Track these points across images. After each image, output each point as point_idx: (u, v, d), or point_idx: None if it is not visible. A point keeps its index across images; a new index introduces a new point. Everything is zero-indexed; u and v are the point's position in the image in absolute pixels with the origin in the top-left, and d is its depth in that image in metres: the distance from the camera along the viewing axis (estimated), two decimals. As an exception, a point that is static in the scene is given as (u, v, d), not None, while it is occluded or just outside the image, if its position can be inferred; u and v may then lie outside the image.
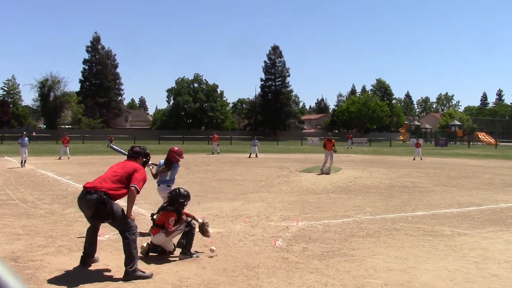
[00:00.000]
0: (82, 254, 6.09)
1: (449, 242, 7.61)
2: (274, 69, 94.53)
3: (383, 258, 6.58)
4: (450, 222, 9.32)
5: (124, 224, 5.69)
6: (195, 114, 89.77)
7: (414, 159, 31.41)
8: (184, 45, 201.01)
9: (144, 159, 6.57)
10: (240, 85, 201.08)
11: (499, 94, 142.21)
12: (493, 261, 6.47)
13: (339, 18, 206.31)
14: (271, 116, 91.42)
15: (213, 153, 36.68)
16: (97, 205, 5.57)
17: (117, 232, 5.93)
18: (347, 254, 6.76)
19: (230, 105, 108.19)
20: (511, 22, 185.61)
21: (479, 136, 77.94)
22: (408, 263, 6.30)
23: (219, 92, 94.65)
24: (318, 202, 12.03)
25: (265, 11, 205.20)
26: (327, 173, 19.51)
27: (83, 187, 5.82)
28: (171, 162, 8.18)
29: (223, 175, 19.12)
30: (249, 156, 32.56)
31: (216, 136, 38.47)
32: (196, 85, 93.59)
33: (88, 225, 6.13)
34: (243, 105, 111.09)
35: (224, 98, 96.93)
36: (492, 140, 72.34)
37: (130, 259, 5.56)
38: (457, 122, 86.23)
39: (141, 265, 5.86)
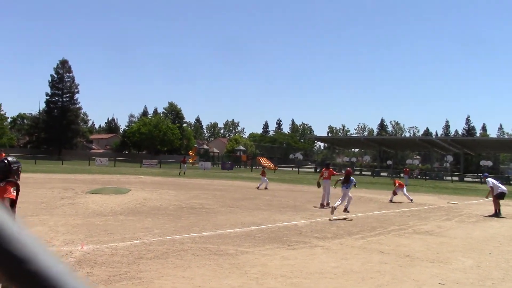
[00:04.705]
0: None
1: (233, 260, 8.00)
2: (62, 84, 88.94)
3: (171, 279, 6.60)
4: (234, 241, 9.83)
5: None
6: (-38, 128, 79.24)
7: (261, 187, 26.73)
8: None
9: None
10: (21, 98, 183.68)
11: (279, 123, 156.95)
12: (271, 276, 7.00)
13: (131, 39, 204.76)
14: (57, 134, 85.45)
15: None
16: None
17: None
18: (135, 277, 6.61)
19: (9, 120, 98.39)
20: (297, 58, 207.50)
21: (261, 161, 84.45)
22: (195, 283, 6.43)
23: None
24: (105, 224, 11.57)
25: (52, 20, 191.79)
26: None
27: None
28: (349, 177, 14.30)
29: (-4, 197, 17.09)
30: None
31: (4, 154, 34.37)
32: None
33: None
34: (24, 121, 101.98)
35: (2, 112, 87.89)
36: (272, 165, 79.12)
37: None
38: (242, 147, 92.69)
39: None
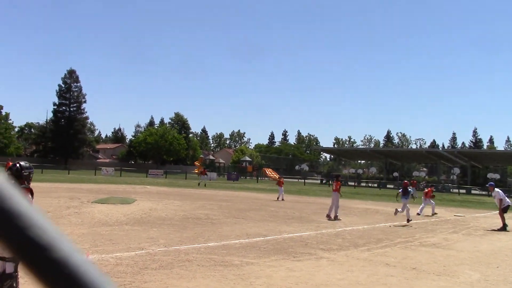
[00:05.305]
0: None
1: (238, 271, 7.97)
2: (69, 94, 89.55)
3: (175, 289, 6.57)
4: (239, 252, 9.80)
5: None
6: (-30, 137, 79.68)
7: (279, 198, 27.52)
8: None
9: None
10: (29, 108, 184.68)
11: (284, 134, 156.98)
12: (276, 287, 6.96)
13: (138, 49, 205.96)
14: (63, 143, 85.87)
15: None
16: None
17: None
18: (139, 287, 6.59)
19: (16, 129, 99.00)
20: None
21: (266, 172, 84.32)
22: (200, 294, 6.40)
23: (3, 114, 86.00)
24: (110, 234, 11.57)
25: (60, 30, 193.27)
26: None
27: None
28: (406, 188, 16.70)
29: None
30: None
31: (10, 163, 34.60)
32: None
33: None
34: (32, 130, 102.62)
35: (10, 121, 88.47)
36: (277, 176, 79.07)
37: None
38: (247, 158, 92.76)
39: None
